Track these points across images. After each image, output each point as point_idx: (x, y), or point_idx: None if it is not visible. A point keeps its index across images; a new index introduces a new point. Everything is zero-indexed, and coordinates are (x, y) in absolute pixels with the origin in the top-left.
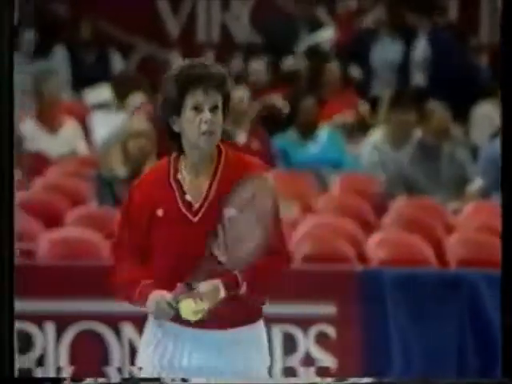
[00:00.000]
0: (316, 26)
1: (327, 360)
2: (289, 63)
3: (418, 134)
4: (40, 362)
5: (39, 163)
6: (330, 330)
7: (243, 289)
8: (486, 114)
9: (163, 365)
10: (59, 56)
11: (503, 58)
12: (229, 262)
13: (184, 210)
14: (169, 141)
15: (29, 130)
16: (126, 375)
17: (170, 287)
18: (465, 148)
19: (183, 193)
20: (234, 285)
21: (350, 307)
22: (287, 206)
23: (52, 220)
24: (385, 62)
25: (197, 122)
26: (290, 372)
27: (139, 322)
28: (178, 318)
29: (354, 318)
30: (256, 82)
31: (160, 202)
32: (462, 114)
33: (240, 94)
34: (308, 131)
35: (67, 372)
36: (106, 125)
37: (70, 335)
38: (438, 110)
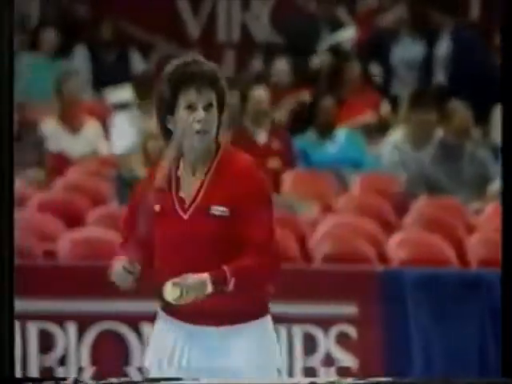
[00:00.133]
0: (336, 25)
1: (348, 360)
2: (313, 63)
3: (439, 133)
4: (62, 361)
5: (60, 163)
6: (351, 330)
7: (231, 285)
8: None
9: (163, 362)
10: (80, 56)
11: (504, 57)
12: None
13: (177, 206)
14: (165, 140)
15: (50, 130)
16: (147, 375)
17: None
18: (486, 148)
19: (179, 190)
20: (222, 280)
21: (371, 307)
22: (307, 206)
23: (73, 220)
24: (405, 61)
25: (190, 121)
26: (310, 372)
27: None
28: (179, 314)
29: (374, 318)
30: (278, 82)
31: (159, 198)
32: (483, 114)
33: (260, 93)
34: (327, 131)
35: (89, 372)
36: (126, 125)
37: (91, 335)
38: (459, 109)
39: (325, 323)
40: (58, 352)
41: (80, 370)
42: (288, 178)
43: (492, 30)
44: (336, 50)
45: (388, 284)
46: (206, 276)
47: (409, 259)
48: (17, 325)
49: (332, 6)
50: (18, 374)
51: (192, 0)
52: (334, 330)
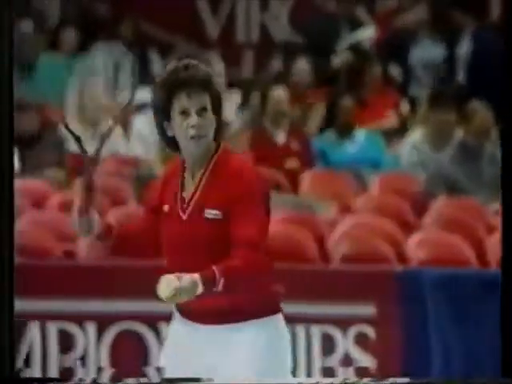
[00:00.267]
0: (356, 25)
1: (366, 360)
2: (333, 62)
3: (459, 134)
4: (81, 361)
5: (81, 163)
6: (370, 331)
7: (220, 285)
8: None
9: (178, 362)
10: (100, 55)
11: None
12: None
13: (179, 207)
14: (165, 145)
15: (70, 130)
16: (163, 375)
17: None
18: None
19: (182, 190)
20: (212, 280)
21: (390, 308)
22: (326, 206)
23: None
24: (425, 61)
25: (184, 127)
26: (328, 372)
27: None
28: (192, 315)
29: (393, 318)
30: (298, 82)
31: (167, 198)
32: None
33: (280, 94)
34: (347, 131)
35: (108, 372)
36: (146, 125)
37: (110, 335)
38: (480, 110)
39: (343, 323)
40: (77, 352)
41: (99, 370)
42: (307, 178)
43: None
44: (356, 49)
45: (407, 284)
46: (196, 276)
47: (428, 259)
48: (36, 325)
49: (351, 5)
50: (37, 374)
51: (211, 0)
52: (353, 331)
